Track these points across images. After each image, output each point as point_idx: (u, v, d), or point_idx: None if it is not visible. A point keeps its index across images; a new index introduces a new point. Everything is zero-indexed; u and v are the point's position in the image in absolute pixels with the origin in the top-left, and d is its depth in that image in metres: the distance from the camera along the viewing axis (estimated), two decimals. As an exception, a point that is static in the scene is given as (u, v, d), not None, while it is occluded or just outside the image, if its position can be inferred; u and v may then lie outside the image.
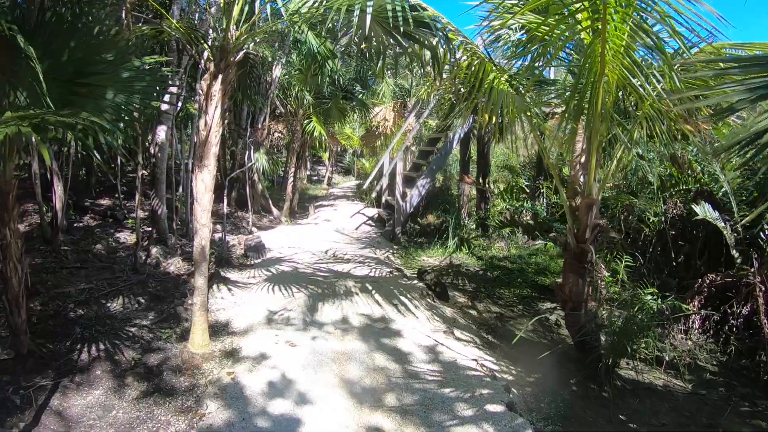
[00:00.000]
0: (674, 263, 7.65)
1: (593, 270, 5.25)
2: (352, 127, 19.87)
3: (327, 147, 17.71)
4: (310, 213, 13.24)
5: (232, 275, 7.00)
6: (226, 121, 4.22)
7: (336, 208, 14.06)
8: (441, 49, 4.40)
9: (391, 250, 9.33)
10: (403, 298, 6.03)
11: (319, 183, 21.34)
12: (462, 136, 10.42)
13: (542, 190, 12.44)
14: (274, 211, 12.54)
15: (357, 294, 5.95)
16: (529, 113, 4.85)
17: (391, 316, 5.49)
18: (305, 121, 11.77)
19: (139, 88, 3.88)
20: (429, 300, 6.25)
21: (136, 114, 4.24)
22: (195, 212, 4.22)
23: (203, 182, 4.08)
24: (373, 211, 12.74)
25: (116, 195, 9.79)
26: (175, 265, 7.15)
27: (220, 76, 3.91)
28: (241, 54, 4.16)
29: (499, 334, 5.79)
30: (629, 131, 5.19)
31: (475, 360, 4.74)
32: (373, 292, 6.06)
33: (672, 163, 7.75)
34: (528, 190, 12.57)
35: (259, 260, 7.88)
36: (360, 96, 13.44)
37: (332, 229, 10.78)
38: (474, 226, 10.72)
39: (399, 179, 10.10)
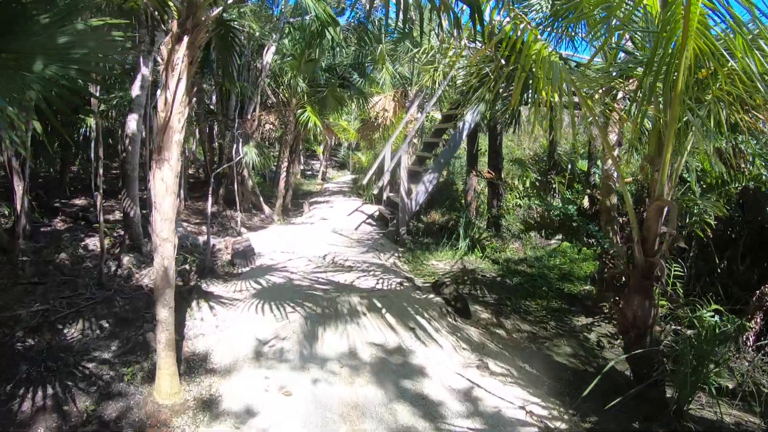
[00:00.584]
0: (718, 269, 6.76)
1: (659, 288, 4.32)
2: (347, 119, 18.87)
3: (323, 140, 16.64)
4: (304, 211, 12.21)
5: (216, 288, 5.99)
6: (194, 100, 3.15)
7: (332, 204, 13.02)
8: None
9: (396, 254, 8.34)
10: (420, 319, 5.03)
11: (313, 178, 20.30)
12: (472, 126, 9.41)
13: (554, 185, 11.54)
14: (266, 209, 11.52)
15: (364, 314, 4.94)
16: (583, 94, 3.85)
17: (409, 346, 4.46)
18: (299, 111, 10.72)
19: (77, 56, 2.85)
20: (450, 319, 5.26)
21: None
22: (154, 222, 3.18)
23: (163, 182, 3.05)
24: (372, 209, 11.72)
25: (93, 193, 8.75)
26: (149, 277, 6.14)
27: (186, 38, 2.86)
28: (216, 12, 3.12)
29: (537, 361, 4.82)
30: (701, 117, 4.21)
31: (523, 407, 3.75)
32: (384, 311, 5.05)
33: (719, 157, 6.84)
34: (539, 185, 11.66)
35: (248, 268, 6.86)
36: (358, 84, 12.38)
37: (329, 229, 9.75)
38: (485, 225, 9.72)
39: (404, 174, 9.08)
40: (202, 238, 8.19)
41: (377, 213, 11.12)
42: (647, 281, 4.03)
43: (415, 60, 12.04)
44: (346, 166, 23.66)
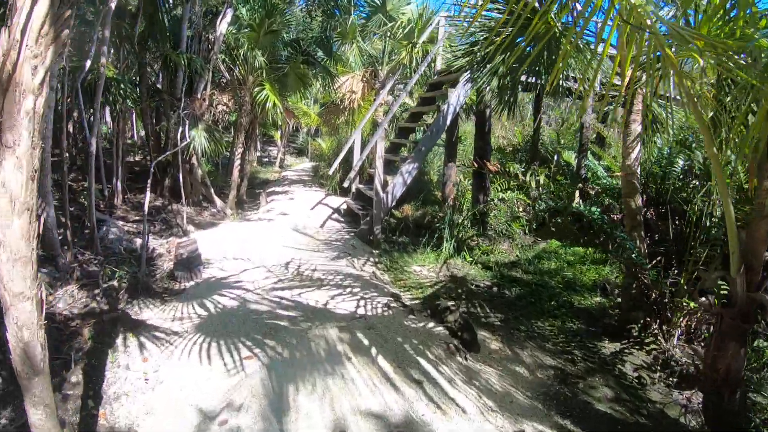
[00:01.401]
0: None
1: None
2: (306, 103, 17.41)
3: (283, 123, 15.09)
4: (261, 203, 10.77)
5: (151, 313, 4.64)
6: (63, 32, 1.69)
7: (292, 196, 11.59)
8: None
9: (371, 258, 7.09)
10: (424, 364, 3.77)
11: (270, 165, 18.76)
12: (457, 109, 8.20)
13: (537, 177, 10.47)
14: (218, 201, 10.05)
15: (349, 358, 3.66)
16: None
17: (421, 415, 3.17)
18: (256, 89, 9.27)
19: None
20: (460, 359, 4.03)
21: None
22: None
23: (5, 190, 1.65)
24: (337, 201, 10.40)
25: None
26: (65, 301, 4.74)
27: None
28: None
29: (578, 412, 3.66)
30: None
31: None
32: (375, 352, 3.79)
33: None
34: (523, 177, 10.57)
35: (192, 283, 5.49)
36: (323, 62, 10.93)
37: (291, 226, 8.39)
38: (469, 222, 8.48)
39: (379, 164, 7.78)
40: (140, 240, 6.78)
41: (344, 207, 9.83)
42: (744, 324, 2.91)
43: (389, 36, 10.73)
44: (305, 153, 22.13)
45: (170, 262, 6.29)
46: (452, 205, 8.46)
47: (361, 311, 4.64)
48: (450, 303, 4.69)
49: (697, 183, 6.96)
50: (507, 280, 6.71)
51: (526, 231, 8.77)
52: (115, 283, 5.16)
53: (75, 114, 10.00)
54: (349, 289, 5.24)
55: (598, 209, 5.31)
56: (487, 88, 6.10)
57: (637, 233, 5.31)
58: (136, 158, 14.27)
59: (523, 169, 10.98)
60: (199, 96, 9.18)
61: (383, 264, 6.95)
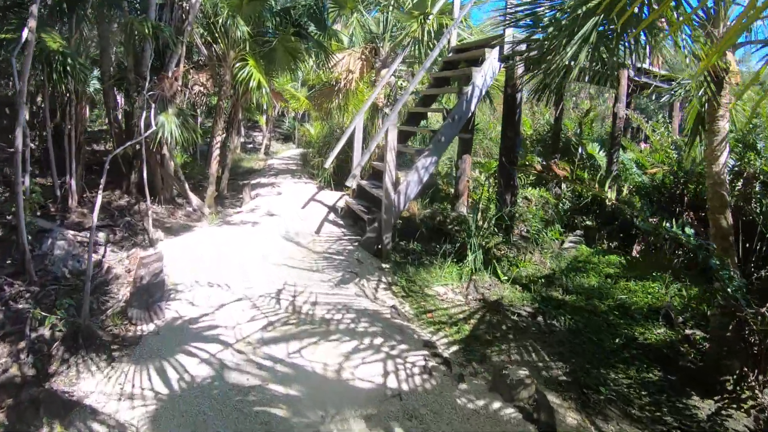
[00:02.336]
0: None
1: None
2: (294, 86, 15.92)
3: (270, 106, 13.52)
4: (245, 200, 9.28)
5: (92, 383, 3.25)
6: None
7: (280, 189, 10.10)
8: None
9: (383, 278, 5.73)
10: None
11: (254, 152, 17.22)
12: (483, 92, 6.82)
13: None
14: (194, 199, 8.56)
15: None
16: None
17: None
18: (238, 65, 7.77)
19: None
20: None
21: None
22: None
23: None
24: (332, 197, 8.97)
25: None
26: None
27: None
28: None
29: None
30: None
31: None
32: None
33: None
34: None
35: (152, 326, 4.04)
36: (317, 36, 9.42)
37: (280, 233, 6.95)
38: (492, 226, 7.06)
39: (390, 157, 6.34)
40: (96, 256, 5.44)
41: (342, 205, 8.41)
42: None
43: (393, 5, 9.26)
44: (292, 139, 20.59)
45: (128, 287, 4.89)
46: (476, 207, 7.07)
47: (391, 381, 3.26)
48: (523, 373, 3.28)
49: (758, 188, 5.80)
50: (551, 306, 5.39)
51: (563, 239, 7.47)
52: (47, 332, 3.73)
53: (39, 98, 8.51)
54: (367, 339, 3.84)
55: (692, 230, 3.98)
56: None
57: (729, 259, 4.03)
58: (107, 146, 12.60)
59: (545, 163, 9.67)
60: (169, 74, 7.67)
61: (398, 284, 5.60)
